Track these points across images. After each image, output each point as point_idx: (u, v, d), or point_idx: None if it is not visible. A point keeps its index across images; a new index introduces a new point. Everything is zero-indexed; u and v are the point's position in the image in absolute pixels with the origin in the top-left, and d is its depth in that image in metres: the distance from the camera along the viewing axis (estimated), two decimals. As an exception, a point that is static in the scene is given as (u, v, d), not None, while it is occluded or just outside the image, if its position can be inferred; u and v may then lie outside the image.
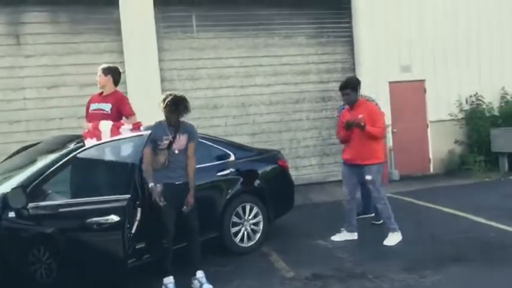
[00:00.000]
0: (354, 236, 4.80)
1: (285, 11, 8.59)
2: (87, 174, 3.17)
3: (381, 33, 8.79)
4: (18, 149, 4.45)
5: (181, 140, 3.68)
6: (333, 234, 4.86)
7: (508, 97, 9.22)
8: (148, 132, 3.70)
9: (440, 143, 9.10)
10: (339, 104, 7.02)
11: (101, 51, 7.78)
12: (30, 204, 2.85)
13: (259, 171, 4.89)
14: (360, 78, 5.23)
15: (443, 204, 6.08)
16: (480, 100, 9.08)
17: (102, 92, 4.18)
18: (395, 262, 3.98)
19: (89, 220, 2.92)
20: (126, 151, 3.24)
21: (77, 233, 3.03)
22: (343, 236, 4.82)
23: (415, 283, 3.51)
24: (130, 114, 4.12)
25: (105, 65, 4.27)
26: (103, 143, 3.05)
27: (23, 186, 2.81)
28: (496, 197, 6.46)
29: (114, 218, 2.76)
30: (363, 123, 4.39)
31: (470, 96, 9.15)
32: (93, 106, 4.14)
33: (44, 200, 2.94)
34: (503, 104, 9.21)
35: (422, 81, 9.06)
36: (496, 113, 9.17)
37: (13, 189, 2.77)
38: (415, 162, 9.04)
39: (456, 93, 9.18)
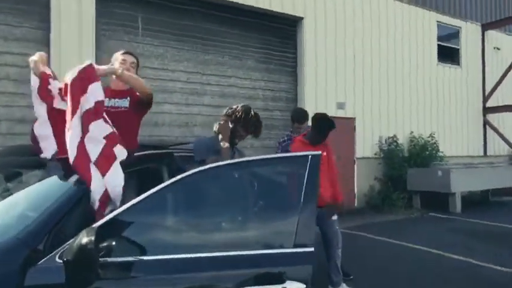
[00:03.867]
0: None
1: (235, 31, 8.09)
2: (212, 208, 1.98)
3: (322, 68, 9.00)
4: None
5: None
6: None
7: (416, 140, 10.34)
8: None
9: (364, 179, 9.60)
10: (282, 133, 6.34)
11: (16, 38, 6.02)
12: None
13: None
14: None
15: (410, 241, 6.19)
16: (396, 142, 9.96)
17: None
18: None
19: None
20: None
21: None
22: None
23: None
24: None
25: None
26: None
27: (94, 228, 1.60)
28: (444, 231, 6.93)
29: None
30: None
31: (389, 138, 9.97)
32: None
33: (120, 254, 1.74)
34: (412, 147, 10.27)
35: (353, 119, 9.51)
36: (406, 153, 10.17)
37: (88, 231, 1.55)
38: (343, 196, 9.27)
39: (378, 134, 9.90)
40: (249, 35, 8.26)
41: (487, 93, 12.53)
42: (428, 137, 10.51)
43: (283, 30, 8.68)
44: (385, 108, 10.10)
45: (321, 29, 8.94)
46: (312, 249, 1.78)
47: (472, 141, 12.26)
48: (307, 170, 1.88)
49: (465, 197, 9.95)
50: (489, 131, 12.58)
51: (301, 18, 8.65)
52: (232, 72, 8.07)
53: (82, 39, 6.33)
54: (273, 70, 8.60)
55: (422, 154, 10.11)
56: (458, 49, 12.17)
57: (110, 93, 2.98)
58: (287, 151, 4.45)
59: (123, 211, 1.79)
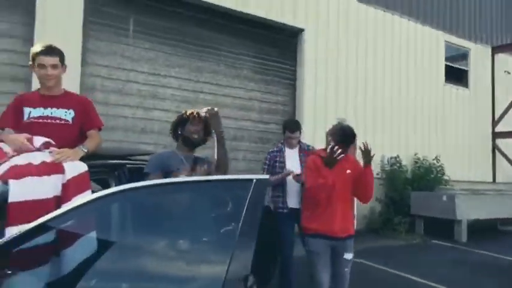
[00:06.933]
0: None
1: (233, 39, 7.77)
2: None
3: (322, 83, 8.62)
4: None
5: (202, 172, 2.77)
6: None
7: (420, 162, 9.82)
8: None
9: (364, 201, 9.05)
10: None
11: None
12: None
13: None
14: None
15: (409, 271, 5.63)
16: (399, 162, 9.46)
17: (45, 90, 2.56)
18: None
19: None
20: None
21: None
22: None
23: None
24: (100, 125, 2.75)
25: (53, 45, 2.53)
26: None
27: None
28: (447, 263, 6.34)
29: None
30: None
31: (391, 158, 9.48)
32: (36, 112, 2.49)
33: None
34: (416, 168, 9.75)
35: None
36: (409, 175, 9.64)
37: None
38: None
39: (380, 154, 9.41)
40: (246, 43, 7.94)
41: (496, 117, 12.05)
42: (434, 159, 10.00)
43: (283, 41, 8.36)
44: (389, 127, 9.66)
45: (322, 42, 8.60)
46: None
47: (480, 167, 11.70)
48: (249, 196, 1.48)
49: (471, 225, 9.33)
50: (498, 156, 12.03)
51: (302, 30, 8.32)
52: (228, 81, 7.72)
53: (68, 38, 6.00)
54: (270, 81, 8.23)
55: (427, 177, 9.60)
56: (466, 70, 11.77)
57: (42, 99, 2.52)
58: (275, 161, 4.06)
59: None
